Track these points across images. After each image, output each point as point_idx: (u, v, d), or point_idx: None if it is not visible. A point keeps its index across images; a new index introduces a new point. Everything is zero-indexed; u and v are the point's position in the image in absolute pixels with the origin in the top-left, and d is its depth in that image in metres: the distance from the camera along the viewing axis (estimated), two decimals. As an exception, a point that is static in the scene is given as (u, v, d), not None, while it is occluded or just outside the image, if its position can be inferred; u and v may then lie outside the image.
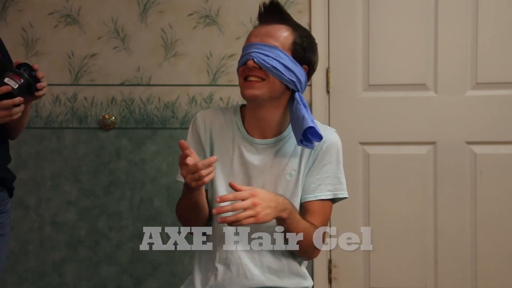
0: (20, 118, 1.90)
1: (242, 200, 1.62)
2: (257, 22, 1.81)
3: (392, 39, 2.73)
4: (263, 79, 1.71)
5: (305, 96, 2.69)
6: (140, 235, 2.82)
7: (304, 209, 1.80)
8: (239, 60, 1.76)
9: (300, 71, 1.75)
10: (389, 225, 2.78)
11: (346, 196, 1.83)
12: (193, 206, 1.75)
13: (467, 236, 2.76)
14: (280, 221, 1.70)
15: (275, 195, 1.69)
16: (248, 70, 1.72)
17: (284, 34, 1.74)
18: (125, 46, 2.78)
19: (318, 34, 2.72)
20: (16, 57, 2.77)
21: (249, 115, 1.80)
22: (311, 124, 1.70)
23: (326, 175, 1.80)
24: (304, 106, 1.74)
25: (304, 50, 1.77)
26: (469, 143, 2.74)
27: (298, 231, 1.72)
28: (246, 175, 1.78)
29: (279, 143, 1.79)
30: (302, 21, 2.69)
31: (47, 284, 2.86)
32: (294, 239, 1.72)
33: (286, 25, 1.77)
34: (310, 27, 2.71)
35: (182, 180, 1.70)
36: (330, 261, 2.82)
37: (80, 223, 2.84)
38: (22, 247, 2.84)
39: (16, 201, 2.82)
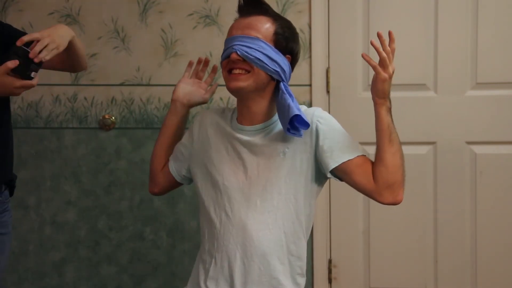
0: (73, 51, 2.02)
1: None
2: (237, 15, 1.80)
3: (392, 39, 2.73)
4: (248, 71, 1.72)
5: (305, 96, 2.72)
6: (140, 235, 2.84)
7: (350, 167, 1.76)
8: (222, 54, 1.76)
9: (283, 61, 1.76)
10: (389, 225, 2.79)
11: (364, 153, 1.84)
12: (177, 127, 1.97)
13: (467, 236, 2.76)
14: (387, 111, 1.81)
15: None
16: (232, 63, 1.73)
17: (265, 25, 1.75)
18: (125, 46, 2.78)
19: (318, 34, 2.73)
20: (16, 57, 2.78)
21: (238, 106, 1.83)
22: (297, 112, 1.68)
23: (343, 138, 1.80)
24: (290, 95, 1.73)
25: (286, 40, 1.77)
26: (469, 143, 2.74)
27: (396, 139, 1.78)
28: (239, 158, 1.80)
29: (267, 128, 1.80)
30: (302, 21, 2.70)
31: (47, 284, 2.86)
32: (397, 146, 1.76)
33: (266, 16, 1.77)
34: (310, 27, 2.72)
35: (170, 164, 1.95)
36: (330, 261, 2.82)
37: (80, 223, 2.84)
38: (22, 247, 2.84)
39: (16, 201, 2.82)
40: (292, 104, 1.70)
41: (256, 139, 1.79)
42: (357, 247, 2.81)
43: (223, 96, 2.75)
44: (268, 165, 1.77)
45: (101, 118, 2.79)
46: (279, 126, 1.79)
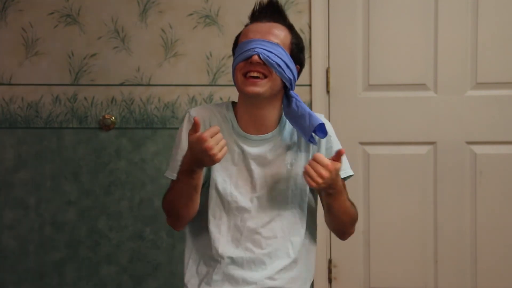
0: None
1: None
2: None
3: (392, 39, 2.73)
4: (265, 76, 1.72)
5: (305, 96, 2.72)
6: (140, 235, 2.84)
7: None
8: (238, 55, 1.74)
9: (295, 70, 1.78)
10: (389, 225, 2.79)
11: (352, 173, 1.87)
12: (193, 189, 1.70)
13: (467, 236, 2.76)
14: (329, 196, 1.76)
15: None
16: (251, 65, 1.71)
17: (283, 33, 1.76)
18: (125, 46, 2.78)
19: (318, 34, 2.73)
20: (16, 57, 2.78)
21: (244, 113, 1.80)
22: (321, 121, 1.73)
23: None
24: (302, 102, 1.79)
25: (300, 51, 1.81)
26: (469, 143, 2.74)
27: (344, 208, 1.81)
28: (248, 169, 1.79)
29: (274, 137, 1.81)
30: (302, 21, 2.70)
31: (47, 284, 2.86)
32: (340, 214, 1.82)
33: (283, 24, 1.79)
34: (310, 27, 2.72)
35: (173, 177, 1.77)
36: (330, 261, 2.82)
37: (80, 223, 2.84)
38: (22, 247, 2.84)
39: (16, 201, 2.82)
40: (312, 112, 1.75)
41: (265, 151, 1.79)
42: (357, 247, 2.81)
43: (223, 96, 2.75)
44: (277, 177, 1.80)
45: (101, 118, 2.79)
46: (284, 136, 1.81)
